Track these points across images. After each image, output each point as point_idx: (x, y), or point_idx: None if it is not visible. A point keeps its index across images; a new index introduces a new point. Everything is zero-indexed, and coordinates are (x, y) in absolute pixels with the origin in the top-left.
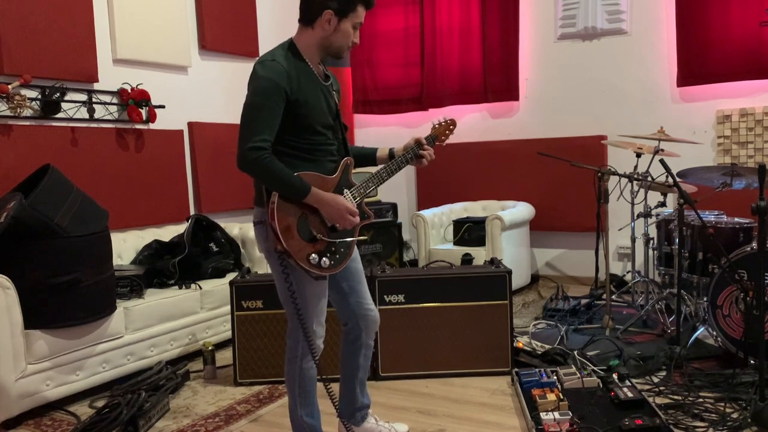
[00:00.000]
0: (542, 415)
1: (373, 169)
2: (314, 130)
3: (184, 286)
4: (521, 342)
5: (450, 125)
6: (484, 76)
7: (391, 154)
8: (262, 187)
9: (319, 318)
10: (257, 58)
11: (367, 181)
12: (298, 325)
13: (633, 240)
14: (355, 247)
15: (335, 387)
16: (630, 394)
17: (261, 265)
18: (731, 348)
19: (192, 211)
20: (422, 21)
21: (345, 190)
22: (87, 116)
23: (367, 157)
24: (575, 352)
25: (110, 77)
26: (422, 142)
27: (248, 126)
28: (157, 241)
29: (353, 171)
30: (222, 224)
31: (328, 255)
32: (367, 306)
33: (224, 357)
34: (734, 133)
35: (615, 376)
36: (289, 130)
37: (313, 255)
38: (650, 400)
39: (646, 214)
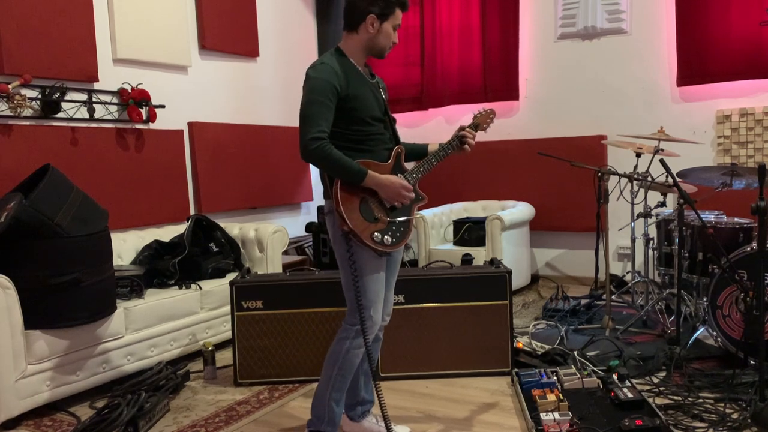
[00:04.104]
0: (542, 415)
1: None
2: (365, 121)
3: (184, 286)
4: (521, 342)
5: (490, 114)
6: (484, 76)
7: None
8: (326, 180)
9: (377, 305)
10: (309, 65)
11: (419, 165)
12: (357, 309)
13: (633, 240)
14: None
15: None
16: (630, 395)
17: (261, 265)
18: (731, 348)
19: (192, 211)
20: (422, 21)
21: (398, 174)
22: (87, 116)
23: (419, 152)
24: (575, 353)
25: (110, 77)
26: (465, 127)
27: (306, 120)
28: (157, 241)
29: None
30: (222, 224)
31: (390, 233)
32: (388, 299)
33: (224, 357)
34: (734, 132)
35: (615, 376)
36: (344, 123)
37: (376, 233)
38: (650, 400)
39: (646, 214)
